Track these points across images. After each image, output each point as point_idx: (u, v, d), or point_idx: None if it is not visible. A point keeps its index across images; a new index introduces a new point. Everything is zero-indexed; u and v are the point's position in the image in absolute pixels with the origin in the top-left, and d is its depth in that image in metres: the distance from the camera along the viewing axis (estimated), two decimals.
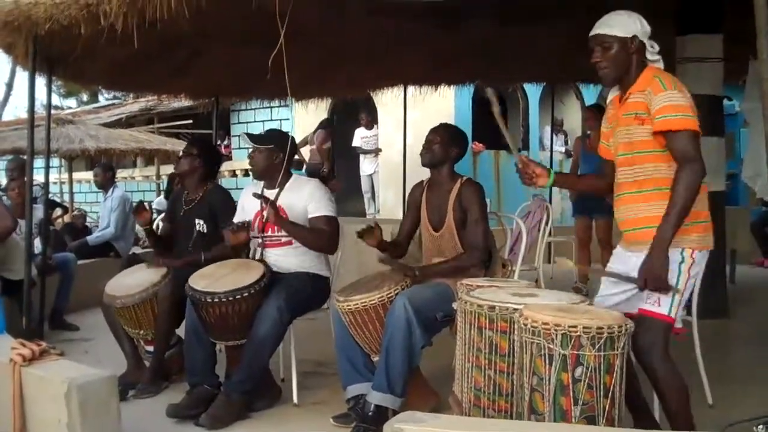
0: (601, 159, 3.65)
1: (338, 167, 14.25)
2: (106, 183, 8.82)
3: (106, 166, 9.23)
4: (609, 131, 3.54)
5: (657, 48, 3.36)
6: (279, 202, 4.70)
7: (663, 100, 3.16)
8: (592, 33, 3.37)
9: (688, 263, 3.22)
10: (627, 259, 3.38)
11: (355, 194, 14.16)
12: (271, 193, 4.76)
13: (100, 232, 8.70)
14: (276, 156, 4.73)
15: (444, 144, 4.45)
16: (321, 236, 4.66)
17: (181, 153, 5.33)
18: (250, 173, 4.87)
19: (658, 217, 3.17)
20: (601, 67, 3.37)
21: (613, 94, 3.52)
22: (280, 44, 3.66)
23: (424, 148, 4.51)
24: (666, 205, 3.15)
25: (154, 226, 5.86)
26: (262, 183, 4.88)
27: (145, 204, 5.30)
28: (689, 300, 3.36)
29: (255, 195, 4.66)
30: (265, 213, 4.64)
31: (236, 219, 4.90)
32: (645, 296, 3.23)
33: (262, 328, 4.31)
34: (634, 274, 3.25)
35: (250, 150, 4.82)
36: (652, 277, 3.15)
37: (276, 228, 4.69)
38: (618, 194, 3.43)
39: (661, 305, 3.18)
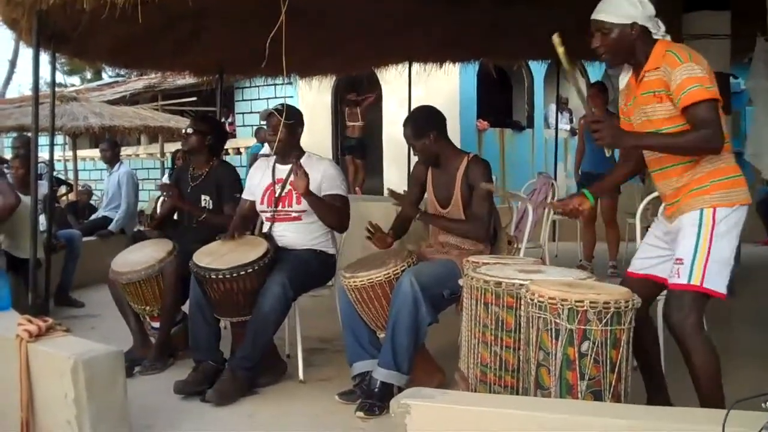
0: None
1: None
2: (113, 158, 8.90)
3: (112, 142, 9.31)
4: (629, 108, 3.49)
5: (663, 27, 3.31)
6: (291, 179, 4.69)
7: (682, 73, 3.12)
8: (592, 16, 3.32)
9: (708, 226, 3.14)
10: (669, 236, 3.37)
11: (369, 174, 14.16)
12: (283, 169, 4.75)
13: (118, 213, 8.68)
14: (296, 131, 4.77)
15: (420, 140, 4.39)
16: (335, 212, 4.66)
17: (189, 130, 5.29)
18: (268, 147, 4.84)
19: (688, 184, 3.23)
20: (600, 53, 3.34)
21: (626, 75, 3.47)
22: (280, 22, 3.63)
23: (415, 153, 4.51)
24: (694, 172, 3.21)
25: (159, 203, 5.88)
26: (271, 159, 4.87)
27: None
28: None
29: (294, 165, 4.57)
30: (291, 181, 4.60)
31: (245, 195, 4.93)
32: (670, 268, 3.23)
33: (266, 304, 4.32)
34: (672, 246, 3.29)
35: (272, 124, 4.74)
36: (601, 130, 3.19)
37: (288, 202, 4.70)
38: (651, 171, 3.45)
39: (680, 275, 3.14)
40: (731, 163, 3.26)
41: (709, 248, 3.13)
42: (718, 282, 3.13)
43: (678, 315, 3.13)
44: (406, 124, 4.49)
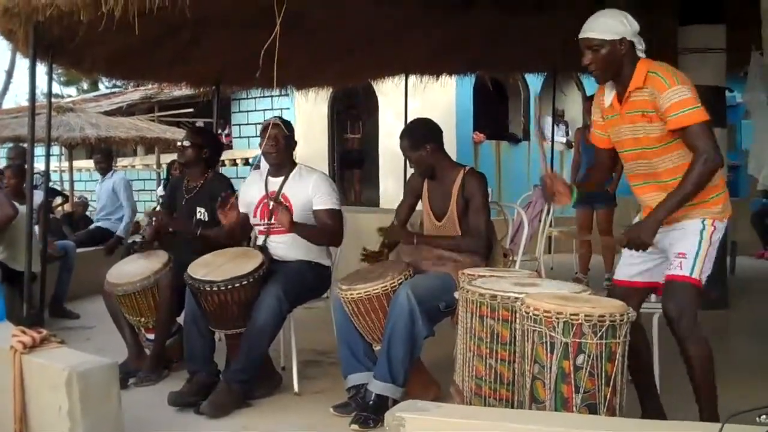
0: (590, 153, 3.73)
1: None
2: (107, 169, 8.93)
3: (106, 153, 9.38)
4: (605, 123, 3.63)
5: (644, 46, 3.41)
6: (283, 191, 4.70)
7: (670, 97, 3.23)
8: (580, 35, 3.41)
9: (709, 231, 3.35)
10: (658, 236, 3.42)
11: (367, 185, 14.14)
12: (276, 182, 4.76)
13: (123, 219, 8.65)
14: (291, 144, 4.79)
15: (416, 152, 4.41)
16: (326, 233, 4.66)
17: (186, 142, 5.27)
18: (264, 159, 4.85)
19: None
20: (591, 69, 3.45)
21: (610, 93, 3.56)
22: (275, 34, 3.63)
23: (411, 165, 4.54)
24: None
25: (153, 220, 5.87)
26: (264, 172, 4.88)
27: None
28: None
29: (272, 202, 4.64)
30: (275, 213, 4.60)
31: (240, 206, 4.92)
32: (669, 263, 3.38)
33: (261, 316, 4.31)
34: (666, 248, 3.43)
35: (272, 135, 4.71)
36: (634, 240, 3.35)
37: None
38: (635, 184, 3.59)
39: (683, 268, 3.30)
40: (721, 177, 3.44)
41: (708, 250, 3.34)
42: (705, 280, 3.34)
43: (677, 306, 3.27)
44: (402, 135, 4.51)
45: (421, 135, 4.45)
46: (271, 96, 14.50)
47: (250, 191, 4.89)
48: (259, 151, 5.26)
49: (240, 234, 4.94)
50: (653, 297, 3.92)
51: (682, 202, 3.29)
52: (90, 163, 18.36)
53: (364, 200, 14.23)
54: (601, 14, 3.41)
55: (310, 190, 4.67)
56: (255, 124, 15.66)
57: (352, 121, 14.27)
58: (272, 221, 4.70)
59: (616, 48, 3.34)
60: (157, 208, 5.88)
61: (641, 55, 3.39)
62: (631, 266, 3.61)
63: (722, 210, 3.42)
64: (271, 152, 4.72)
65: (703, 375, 3.27)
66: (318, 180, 4.73)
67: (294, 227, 4.50)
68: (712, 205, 3.39)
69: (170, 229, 5.32)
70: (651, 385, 3.68)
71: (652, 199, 3.44)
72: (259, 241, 4.80)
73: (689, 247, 3.33)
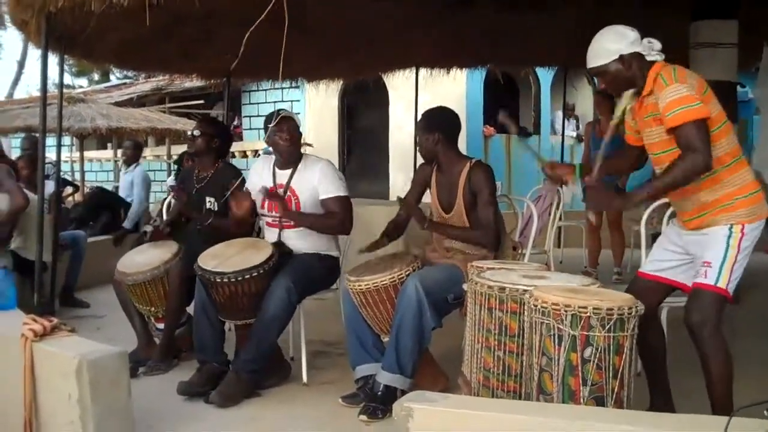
0: (613, 144, 3.71)
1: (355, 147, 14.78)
2: (131, 158, 9.12)
3: (135, 142, 9.75)
4: (635, 126, 3.62)
5: (657, 45, 3.41)
6: (291, 184, 4.71)
7: (667, 96, 3.22)
8: (587, 66, 3.50)
9: (736, 237, 3.28)
10: (687, 239, 3.49)
11: (372, 175, 14.13)
12: (284, 174, 4.76)
13: (129, 211, 8.85)
14: (300, 135, 4.80)
15: (427, 135, 4.42)
16: (333, 221, 4.66)
17: (196, 132, 5.26)
18: (275, 153, 4.85)
19: (711, 203, 3.33)
20: (609, 90, 3.56)
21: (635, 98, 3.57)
22: (260, 20, 3.64)
23: (418, 149, 4.56)
24: (713, 189, 3.31)
25: (166, 206, 5.89)
26: (271, 160, 4.88)
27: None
28: None
29: (269, 194, 4.67)
30: (271, 205, 4.64)
31: None
32: (695, 270, 3.33)
33: (271, 307, 4.33)
34: (693, 252, 3.42)
35: (288, 129, 4.74)
36: (598, 200, 3.59)
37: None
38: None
39: (707, 276, 3.26)
40: (751, 178, 3.39)
41: (736, 257, 3.27)
42: (733, 288, 3.27)
43: (699, 316, 3.23)
44: (423, 114, 4.60)
45: (435, 122, 4.48)
46: (282, 88, 14.50)
47: (259, 180, 4.88)
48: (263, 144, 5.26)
49: (249, 221, 4.94)
50: None
51: (660, 192, 3.39)
52: (101, 154, 18.48)
53: (373, 193, 14.18)
54: (595, 39, 3.45)
55: (316, 179, 4.67)
56: (265, 116, 15.67)
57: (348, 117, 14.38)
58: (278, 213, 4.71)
59: (618, 67, 3.38)
60: (170, 201, 5.85)
61: (655, 57, 3.38)
62: (657, 262, 3.61)
63: (751, 212, 3.33)
64: (287, 145, 4.72)
65: (721, 385, 3.24)
66: (324, 168, 4.73)
67: (291, 216, 4.55)
68: (737, 208, 3.31)
69: (183, 217, 5.34)
70: (663, 379, 3.67)
71: (687, 202, 3.43)
72: (273, 235, 4.79)
73: (715, 255, 3.27)
